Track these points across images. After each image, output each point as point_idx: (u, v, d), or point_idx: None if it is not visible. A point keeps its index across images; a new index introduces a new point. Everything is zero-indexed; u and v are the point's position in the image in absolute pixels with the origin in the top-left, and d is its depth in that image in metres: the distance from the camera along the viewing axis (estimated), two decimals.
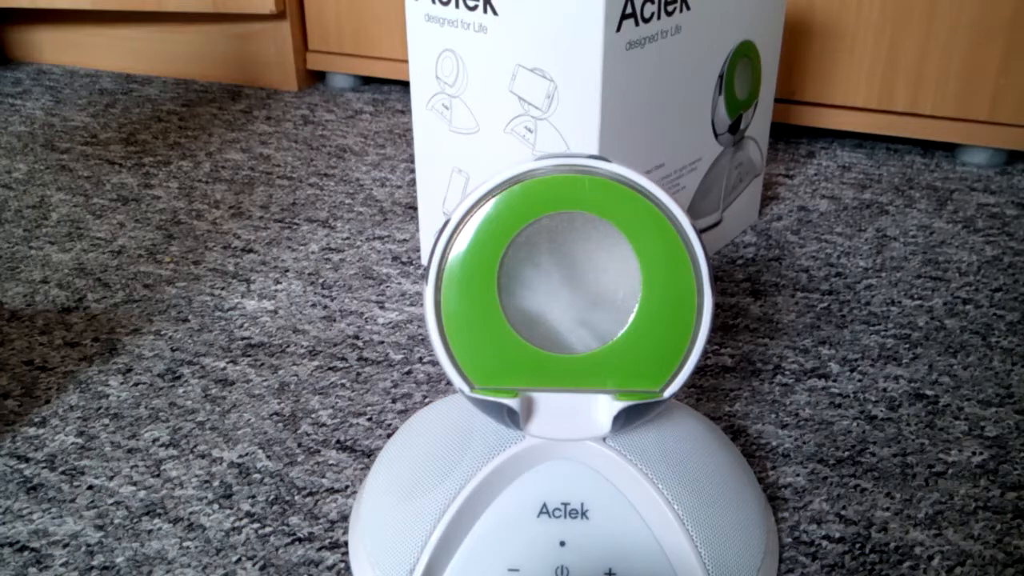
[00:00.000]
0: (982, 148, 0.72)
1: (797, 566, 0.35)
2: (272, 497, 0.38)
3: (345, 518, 0.37)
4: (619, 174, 0.30)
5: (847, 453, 0.41)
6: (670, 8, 0.46)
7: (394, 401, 0.44)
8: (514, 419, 0.31)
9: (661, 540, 0.32)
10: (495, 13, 0.45)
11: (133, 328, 0.50)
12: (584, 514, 0.32)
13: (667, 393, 0.31)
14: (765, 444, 0.41)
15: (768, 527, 0.35)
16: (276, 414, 0.43)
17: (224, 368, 0.47)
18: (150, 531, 0.37)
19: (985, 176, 0.70)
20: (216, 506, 0.38)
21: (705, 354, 0.48)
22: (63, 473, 0.40)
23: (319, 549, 0.36)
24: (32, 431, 0.42)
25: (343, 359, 0.47)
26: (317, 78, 0.92)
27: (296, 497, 0.38)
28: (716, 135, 0.54)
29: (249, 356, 0.48)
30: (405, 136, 0.78)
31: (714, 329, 0.50)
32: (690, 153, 0.52)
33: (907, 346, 0.49)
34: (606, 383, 0.31)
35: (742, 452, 0.41)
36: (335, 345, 0.49)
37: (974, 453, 0.41)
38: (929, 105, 0.71)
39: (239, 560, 0.35)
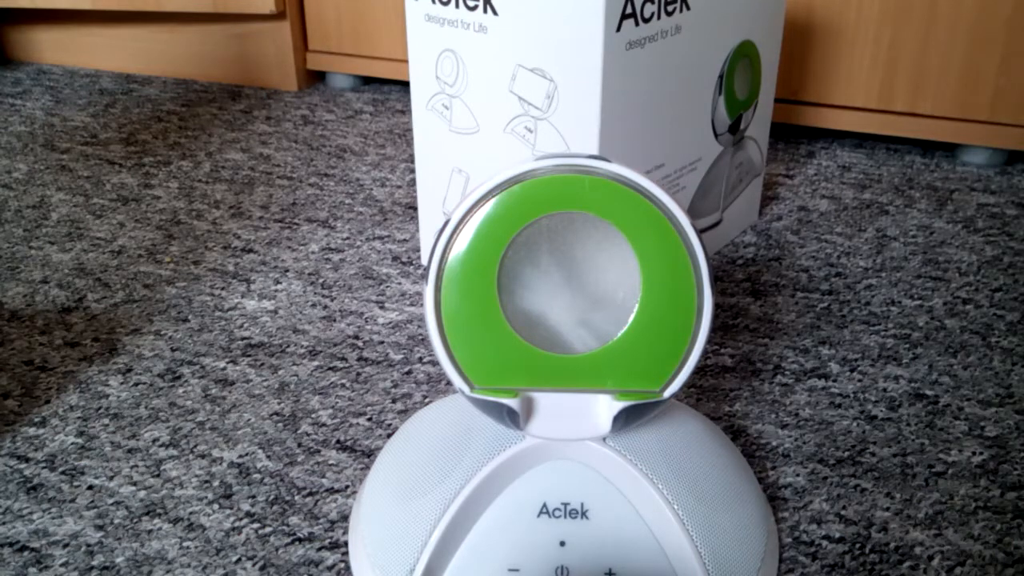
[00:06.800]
0: (982, 148, 0.72)
1: (797, 566, 0.35)
2: (272, 497, 0.38)
3: (345, 518, 0.37)
4: (619, 174, 0.30)
5: (847, 453, 0.41)
6: (670, 8, 0.46)
7: (394, 401, 0.44)
8: (514, 419, 0.31)
9: (661, 540, 0.32)
10: (495, 13, 0.45)
11: (133, 328, 0.50)
12: (584, 514, 0.32)
13: (667, 393, 0.31)
14: (765, 444, 0.41)
15: (768, 527, 0.35)
16: (276, 414, 0.43)
17: (224, 368, 0.47)
18: (150, 531, 0.37)
19: (985, 176, 0.70)
20: (216, 506, 0.38)
21: (705, 354, 0.48)
22: (63, 473, 0.40)
23: (319, 549, 0.36)
24: (32, 431, 0.42)
25: (343, 359, 0.47)
26: (317, 78, 0.92)
27: (296, 497, 0.38)
28: (716, 135, 0.54)
29: (249, 356, 0.48)
30: (405, 136, 0.78)
31: (714, 329, 0.50)
32: (690, 153, 0.52)
33: (907, 346, 0.49)
34: (606, 383, 0.31)
35: (742, 452, 0.41)
36: (335, 345, 0.49)
37: (974, 453, 0.41)
38: (929, 105, 0.71)
39: (239, 560, 0.35)
